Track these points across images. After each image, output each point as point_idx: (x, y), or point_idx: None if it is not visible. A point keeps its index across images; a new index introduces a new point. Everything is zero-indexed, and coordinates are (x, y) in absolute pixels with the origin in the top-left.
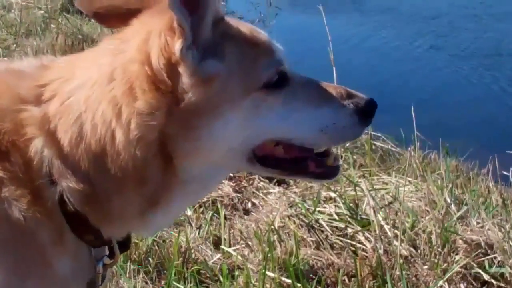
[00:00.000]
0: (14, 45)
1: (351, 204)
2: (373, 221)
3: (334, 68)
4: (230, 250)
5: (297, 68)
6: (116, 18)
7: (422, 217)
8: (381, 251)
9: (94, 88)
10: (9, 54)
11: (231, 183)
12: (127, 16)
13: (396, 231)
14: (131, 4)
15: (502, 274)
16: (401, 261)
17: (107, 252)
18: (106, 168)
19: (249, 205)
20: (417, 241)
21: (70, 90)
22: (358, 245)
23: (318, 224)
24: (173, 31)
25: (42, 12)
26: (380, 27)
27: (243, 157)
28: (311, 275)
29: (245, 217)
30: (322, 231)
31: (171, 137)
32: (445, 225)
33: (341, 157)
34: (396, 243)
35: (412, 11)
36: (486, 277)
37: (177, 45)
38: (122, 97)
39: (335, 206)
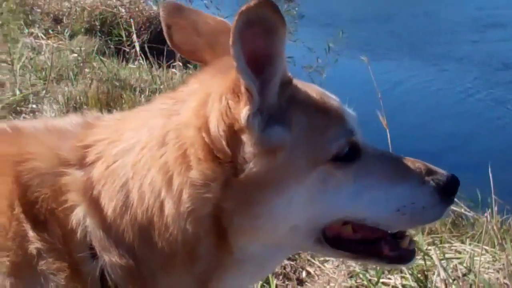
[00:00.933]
0: (44, 91)
1: (419, 276)
2: None
3: (387, 131)
4: None
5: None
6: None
7: None
8: None
9: (143, 153)
10: (39, 100)
11: None
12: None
13: None
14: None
15: None
16: None
17: None
18: (153, 242)
19: (304, 274)
20: None
21: (117, 153)
22: None
23: None
24: (236, 94)
25: (75, 55)
26: (443, 75)
27: (310, 237)
28: None
29: (299, 287)
30: None
31: (227, 212)
32: None
33: None
34: None
35: (482, 59)
36: None
37: (243, 112)
38: (174, 165)
39: (401, 277)
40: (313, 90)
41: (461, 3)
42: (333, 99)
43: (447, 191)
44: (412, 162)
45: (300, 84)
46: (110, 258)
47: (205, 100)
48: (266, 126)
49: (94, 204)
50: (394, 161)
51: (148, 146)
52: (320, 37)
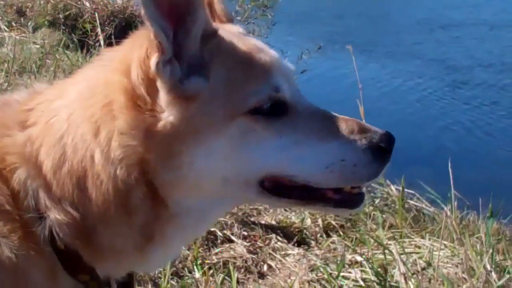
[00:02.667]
0: (6, 84)
1: (379, 269)
2: None
3: (361, 108)
4: None
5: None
6: None
7: (459, 286)
8: None
9: (77, 105)
10: (1, 93)
11: (245, 243)
12: None
13: None
14: None
15: None
16: None
17: None
18: (89, 193)
19: (265, 267)
20: None
21: (55, 108)
22: None
23: None
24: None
25: (38, 47)
26: (414, 73)
27: (247, 189)
28: None
29: (260, 281)
30: None
31: (150, 163)
32: None
33: (369, 216)
34: None
35: (457, 60)
36: None
37: (152, 59)
38: (100, 113)
39: (362, 271)
40: (244, 43)
41: (414, 5)
42: (265, 54)
43: (381, 149)
44: (345, 120)
45: (231, 36)
46: (56, 216)
47: (131, 48)
48: (184, 76)
49: (34, 163)
50: (325, 119)
51: (80, 98)
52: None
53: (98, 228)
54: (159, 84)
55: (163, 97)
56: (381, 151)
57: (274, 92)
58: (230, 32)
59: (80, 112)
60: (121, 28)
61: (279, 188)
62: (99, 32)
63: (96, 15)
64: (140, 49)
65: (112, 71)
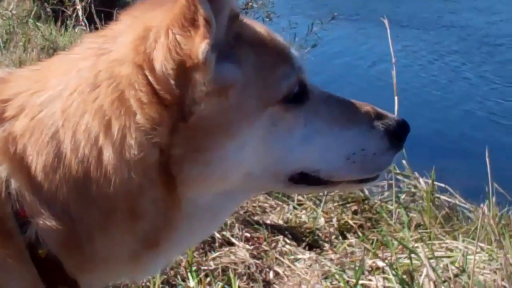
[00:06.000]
0: None
1: (404, 276)
2: None
3: (396, 98)
4: None
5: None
6: None
7: None
8: None
9: (73, 97)
10: None
11: (248, 246)
12: None
13: None
14: None
15: None
16: None
17: None
18: (90, 197)
19: (271, 275)
20: None
21: (43, 102)
22: None
23: None
24: (187, 28)
25: (5, 19)
26: (445, 54)
27: (277, 182)
28: None
29: None
30: None
31: (175, 159)
32: None
33: (393, 214)
34: None
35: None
36: None
37: (202, 46)
38: (110, 108)
39: (384, 278)
40: (259, 26)
41: None
42: (279, 37)
43: (397, 135)
44: (360, 105)
45: (247, 20)
46: (44, 221)
47: (145, 35)
48: (217, 63)
49: (19, 162)
50: (342, 104)
51: (78, 90)
52: None
53: (95, 235)
54: (200, 74)
55: (200, 88)
56: (397, 139)
57: (300, 74)
58: None
59: (81, 105)
60: None
61: (307, 177)
62: (77, 1)
63: None
64: (166, 36)
65: (119, 63)
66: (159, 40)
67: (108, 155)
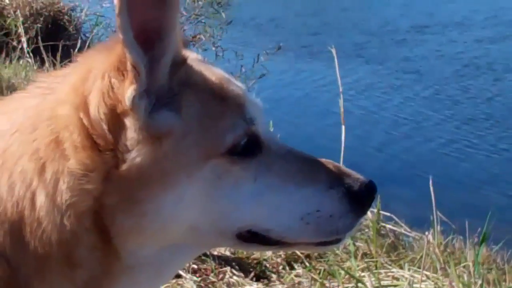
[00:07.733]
0: None
1: None
2: None
3: (343, 127)
4: None
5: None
6: None
7: None
8: None
9: (14, 137)
10: None
11: (195, 278)
12: None
13: None
14: None
15: None
16: None
17: None
18: (25, 242)
19: None
20: None
21: None
22: None
23: None
24: (121, 72)
25: None
26: (392, 85)
27: (224, 239)
28: None
29: None
30: None
31: (108, 209)
32: None
33: None
34: None
35: (433, 72)
36: None
37: (129, 91)
38: (46, 151)
39: None
40: (212, 73)
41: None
42: (234, 85)
43: (359, 198)
44: (323, 163)
45: (199, 65)
46: None
47: (86, 76)
48: (152, 110)
49: None
50: (301, 160)
51: (20, 130)
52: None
53: (33, 283)
54: (129, 120)
55: (131, 135)
56: (359, 202)
57: (250, 125)
58: (195, 59)
59: (20, 146)
60: (49, 29)
61: (257, 236)
62: (22, 33)
63: (19, 13)
64: (102, 79)
65: (60, 104)
66: (96, 83)
67: (41, 199)
